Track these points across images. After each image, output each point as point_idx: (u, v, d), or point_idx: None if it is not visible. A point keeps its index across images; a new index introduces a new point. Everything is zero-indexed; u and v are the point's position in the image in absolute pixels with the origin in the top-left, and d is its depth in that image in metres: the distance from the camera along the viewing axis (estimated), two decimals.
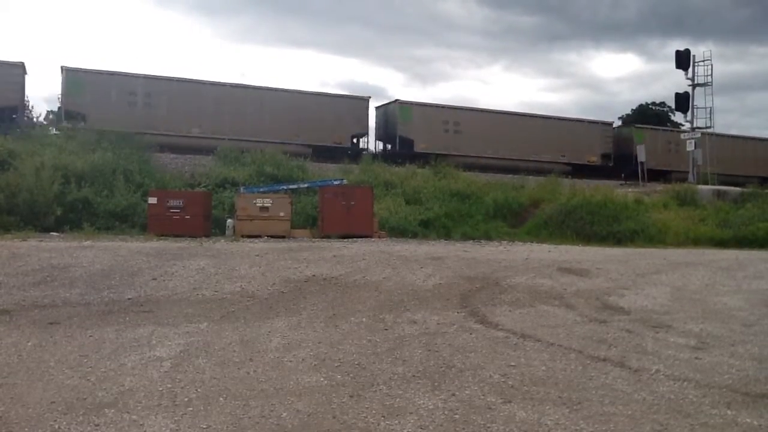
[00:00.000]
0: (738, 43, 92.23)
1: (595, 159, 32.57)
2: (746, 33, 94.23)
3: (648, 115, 48.14)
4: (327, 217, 17.32)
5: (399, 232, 18.41)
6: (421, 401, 4.91)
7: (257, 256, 11.77)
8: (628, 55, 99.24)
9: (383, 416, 4.60)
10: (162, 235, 15.39)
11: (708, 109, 31.01)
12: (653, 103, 52.71)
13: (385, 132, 30.45)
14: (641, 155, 29.40)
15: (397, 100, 30.16)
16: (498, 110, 33.36)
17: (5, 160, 17.54)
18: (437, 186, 22.22)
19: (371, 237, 16.98)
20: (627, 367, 5.96)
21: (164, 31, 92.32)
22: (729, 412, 4.82)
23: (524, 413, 4.69)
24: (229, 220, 17.25)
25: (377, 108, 30.96)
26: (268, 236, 16.30)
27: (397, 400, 4.95)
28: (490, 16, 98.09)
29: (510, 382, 5.42)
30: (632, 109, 53.29)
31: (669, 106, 45.50)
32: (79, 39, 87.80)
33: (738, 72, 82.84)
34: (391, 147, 29.94)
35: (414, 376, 5.57)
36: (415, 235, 18.31)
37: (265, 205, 17.00)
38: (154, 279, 9.67)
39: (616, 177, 31.15)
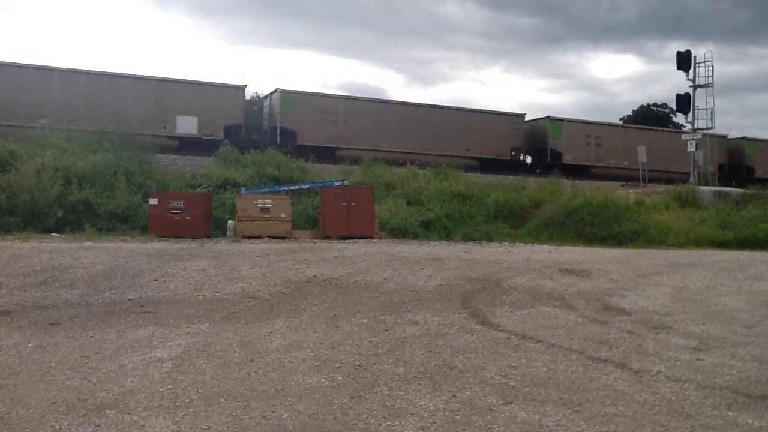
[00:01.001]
0: (737, 44, 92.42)
1: (503, 153, 31.28)
2: (745, 34, 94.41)
3: (649, 116, 48.21)
4: (328, 218, 17.32)
5: (400, 233, 18.41)
6: (422, 402, 4.91)
7: (258, 257, 11.78)
8: (628, 56, 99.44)
9: (384, 417, 4.59)
10: (163, 236, 15.39)
11: (709, 110, 30.99)
12: (654, 104, 52.74)
13: (269, 124, 28.64)
14: (642, 156, 29.35)
15: (277, 88, 28.10)
16: (394, 101, 32.30)
17: (6, 161, 17.54)
18: (438, 187, 22.21)
19: (372, 238, 16.98)
20: (628, 368, 5.95)
21: (164, 33, 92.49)
22: (730, 413, 4.81)
23: (525, 414, 4.69)
24: (230, 221, 17.25)
25: (264, 98, 30.28)
26: (268, 237, 16.31)
27: (398, 401, 4.95)
28: (489, 18, 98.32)
29: (511, 383, 5.42)
30: (633, 110, 53.38)
31: (670, 108, 45.58)
32: (79, 39, 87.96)
33: (737, 73, 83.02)
34: (272, 139, 27.17)
35: (415, 377, 5.57)
36: (416, 236, 18.31)
37: (266, 206, 17.01)
38: (155, 280, 9.67)
39: (530, 172, 30.13)
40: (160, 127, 25.43)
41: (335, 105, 29.10)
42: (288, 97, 27.93)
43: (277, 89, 28.24)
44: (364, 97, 31.44)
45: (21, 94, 23.78)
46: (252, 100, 30.61)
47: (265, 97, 29.91)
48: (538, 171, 31.05)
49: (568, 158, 31.76)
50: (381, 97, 32.31)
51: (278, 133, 27.45)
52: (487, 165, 30.17)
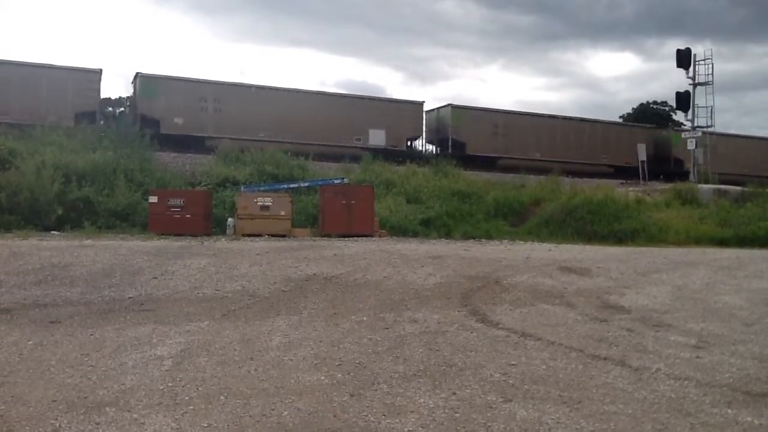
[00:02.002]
0: (736, 42, 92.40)
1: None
2: (744, 33, 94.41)
3: (649, 114, 48.13)
4: (328, 216, 17.31)
5: (400, 231, 18.41)
6: (422, 400, 4.92)
7: (258, 255, 11.78)
8: (626, 54, 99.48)
9: (384, 415, 4.60)
10: (163, 234, 15.39)
11: (709, 108, 30.98)
12: (654, 102, 52.70)
13: (132, 110, 27.79)
14: (641, 154, 29.35)
15: (138, 73, 26.53)
16: (255, 84, 28.81)
17: (6, 159, 17.54)
18: (438, 185, 22.21)
19: (372, 236, 16.98)
20: (628, 365, 5.96)
21: (163, 30, 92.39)
22: (729, 411, 4.82)
23: (525, 412, 4.69)
24: (229, 219, 17.24)
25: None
26: (268, 235, 16.30)
27: (398, 398, 4.95)
28: (487, 16, 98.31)
29: (510, 381, 5.42)
30: (633, 108, 53.35)
31: (670, 105, 45.52)
32: (78, 38, 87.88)
33: (736, 71, 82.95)
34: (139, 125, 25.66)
35: (415, 374, 5.57)
36: (415, 234, 18.31)
37: (266, 204, 17.00)
38: (155, 278, 9.67)
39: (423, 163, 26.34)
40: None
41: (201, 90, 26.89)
42: (150, 80, 26.10)
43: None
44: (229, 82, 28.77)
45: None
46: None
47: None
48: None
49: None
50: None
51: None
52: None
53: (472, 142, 30.40)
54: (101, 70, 25.66)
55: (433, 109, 31.68)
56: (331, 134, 27.88)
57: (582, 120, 34.80)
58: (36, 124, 21.30)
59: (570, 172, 28.27)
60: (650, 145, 33.66)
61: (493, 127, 31.48)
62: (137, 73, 26.50)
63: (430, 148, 32.32)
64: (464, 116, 30.66)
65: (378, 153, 26.58)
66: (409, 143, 30.89)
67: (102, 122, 25.96)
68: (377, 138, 28.80)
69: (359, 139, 28.59)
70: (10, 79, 23.56)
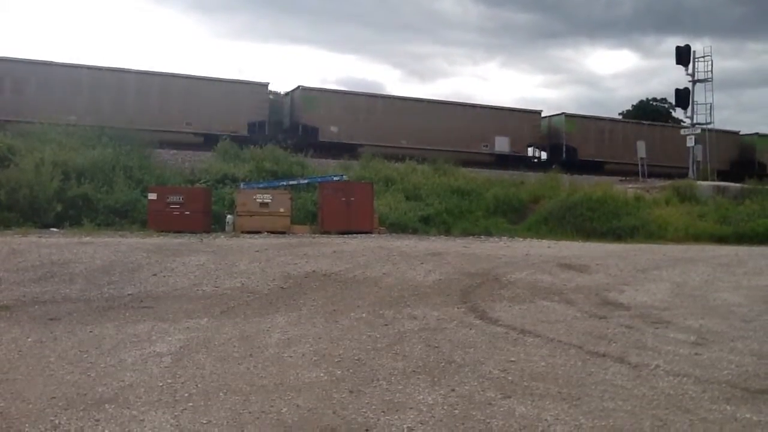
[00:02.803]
0: (734, 39, 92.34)
1: (236, 128, 25.87)
2: (742, 30, 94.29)
3: (648, 111, 48.17)
4: (327, 213, 17.32)
5: (399, 227, 18.43)
6: (421, 396, 4.92)
7: (257, 251, 11.77)
8: (624, 51, 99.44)
9: (383, 411, 4.60)
10: (162, 231, 15.39)
11: (708, 105, 30.97)
12: (654, 99, 52.71)
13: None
14: (641, 151, 29.35)
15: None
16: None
17: (5, 156, 17.54)
18: (438, 182, 22.21)
19: (371, 233, 16.99)
20: (627, 362, 5.96)
21: (163, 29, 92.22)
22: (728, 407, 4.82)
23: (524, 408, 4.69)
24: (229, 216, 17.25)
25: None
26: (267, 232, 16.31)
27: (397, 395, 4.95)
28: (485, 14, 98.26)
29: (510, 378, 5.42)
30: (633, 105, 53.38)
31: (670, 102, 45.52)
32: (76, 37, 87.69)
33: (734, 68, 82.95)
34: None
35: (414, 371, 5.57)
36: (415, 231, 18.33)
37: (265, 201, 17.00)
38: (154, 275, 9.67)
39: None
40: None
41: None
42: None
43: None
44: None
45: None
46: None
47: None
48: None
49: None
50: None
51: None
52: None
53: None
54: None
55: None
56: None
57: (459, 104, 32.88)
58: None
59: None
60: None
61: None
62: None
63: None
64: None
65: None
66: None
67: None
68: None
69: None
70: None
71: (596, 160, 32.39)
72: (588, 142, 32.73)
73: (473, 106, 32.25)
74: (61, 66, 25.02)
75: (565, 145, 32.32)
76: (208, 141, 24.76)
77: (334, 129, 27.72)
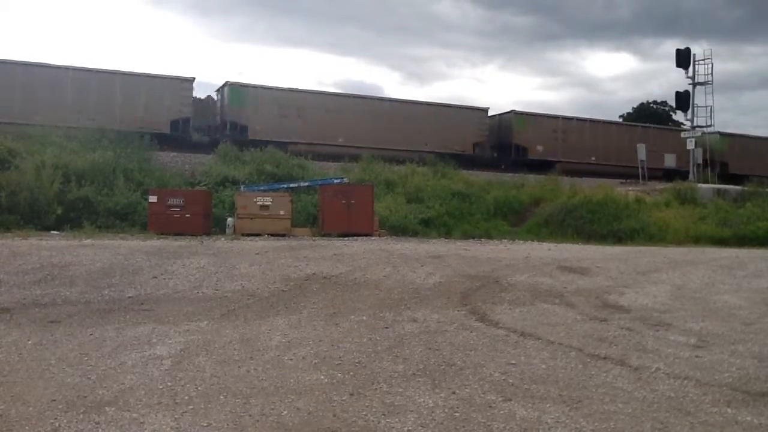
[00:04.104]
0: (732, 42, 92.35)
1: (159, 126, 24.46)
2: (739, 33, 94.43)
3: (648, 114, 48.21)
4: (327, 216, 17.31)
5: (399, 230, 18.41)
6: (422, 399, 4.91)
7: (257, 254, 11.77)
8: (623, 54, 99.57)
9: (383, 414, 4.60)
10: (162, 234, 15.38)
11: (708, 108, 30.99)
12: (654, 102, 52.76)
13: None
14: (641, 153, 29.35)
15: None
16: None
17: (6, 159, 17.53)
18: (438, 185, 22.21)
19: (372, 235, 16.98)
20: (627, 365, 5.96)
21: (160, 31, 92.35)
22: (729, 410, 4.82)
23: (524, 411, 4.69)
24: (229, 219, 17.24)
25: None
26: (268, 235, 16.30)
27: (398, 398, 4.95)
28: (483, 16, 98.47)
29: (510, 380, 5.42)
30: (633, 108, 53.42)
31: (670, 105, 45.56)
32: (75, 37, 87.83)
33: (732, 71, 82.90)
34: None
35: (414, 374, 5.57)
36: (415, 234, 18.30)
37: (266, 203, 16.99)
38: (155, 277, 9.67)
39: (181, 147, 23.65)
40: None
41: None
42: None
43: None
44: None
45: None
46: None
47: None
48: None
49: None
50: None
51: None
52: None
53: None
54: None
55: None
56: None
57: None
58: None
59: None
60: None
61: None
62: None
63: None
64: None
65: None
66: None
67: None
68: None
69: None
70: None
71: (548, 159, 30.95)
72: (539, 141, 31.41)
73: (414, 103, 30.51)
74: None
75: (514, 144, 31.13)
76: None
77: (258, 127, 26.11)
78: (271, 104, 26.77)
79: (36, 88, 23.39)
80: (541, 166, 29.49)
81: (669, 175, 31.20)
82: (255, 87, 27.36)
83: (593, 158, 32.61)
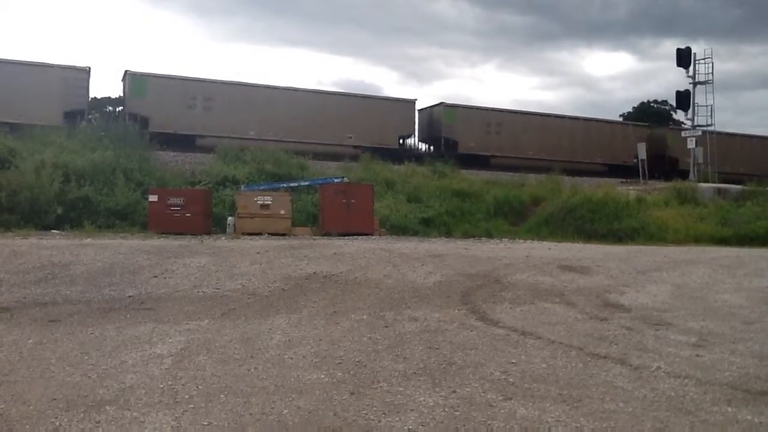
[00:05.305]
0: (730, 42, 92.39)
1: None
2: (738, 33, 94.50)
3: (649, 113, 48.23)
4: (328, 215, 17.31)
5: (400, 229, 18.41)
6: (422, 398, 4.91)
7: (258, 253, 11.77)
8: (621, 53, 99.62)
9: (384, 413, 4.60)
10: (163, 233, 15.38)
11: (709, 107, 31.00)
12: (655, 101, 52.78)
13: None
14: (641, 153, 29.34)
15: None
16: None
17: (6, 159, 17.54)
18: (438, 184, 22.22)
19: (372, 235, 16.98)
20: (628, 364, 5.96)
21: (159, 31, 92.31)
22: (729, 409, 4.82)
23: (525, 410, 4.69)
24: (229, 218, 17.24)
25: None
26: (268, 234, 16.30)
27: (398, 397, 4.95)
28: (481, 16, 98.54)
29: (511, 380, 5.42)
30: (633, 107, 53.47)
31: (670, 105, 45.58)
32: (75, 38, 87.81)
33: (731, 71, 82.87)
34: None
35: (415, 373, 5.57)
36: (415, 233, 18.30)
37: (266, 202, 16.99)
38: (155, 277, 9.67)
39: None
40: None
41: None
42: None
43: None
44: None
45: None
46: None
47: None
48: None
49: None
50: None
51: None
52: None
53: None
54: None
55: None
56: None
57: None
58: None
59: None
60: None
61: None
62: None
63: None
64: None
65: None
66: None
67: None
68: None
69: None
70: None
71: (480, 153, 30.31)
72: (470, 135, 30.29)
73: (334, 94, 29.93)
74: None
75: (443, 138, 30.00)
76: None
77: (158, 119, 24.95)
78: (173, 95, 25.65)
79: None
80: (474, 161, 28.71)
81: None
82: (157, 76, 26.18)
83: (530, 152, 31.59)
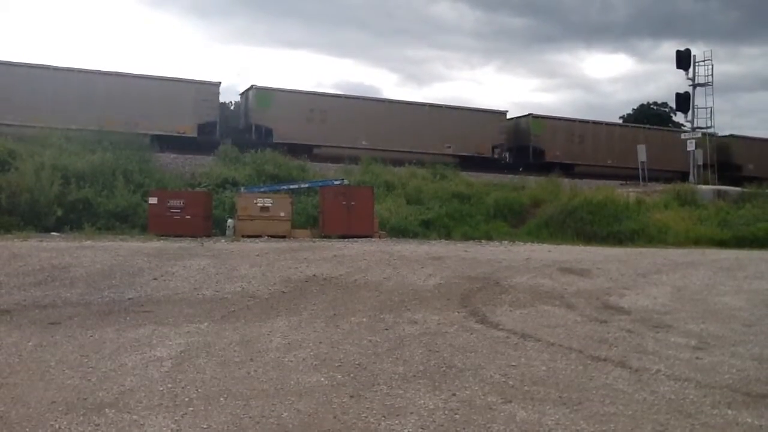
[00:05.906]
0: (729, 44, 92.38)
1: None
2: (736, 35, 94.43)
3: (649, 115, 48.25)
4: (328, 217, 17.31)
5: (400, 232, 18.41)
6: (422, 401, 4.91)
7: (258, 256, 11.77)
8: (620, 55, 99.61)
9: (384, 416, 4.59)
10: (162, 235, 15.38)
11: (708, 109, 31.01)
12: (654, 103, 52.81)
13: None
14: (641, 155, 29.33)
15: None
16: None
17: (6, 161, 17.54)
18: (438, 187, 22.23)
19: (372, 237, 16.98)
20: (628, 367, 5.96)
21: (159, 33, 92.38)
22: (729, 412, 4.81)
23: (525, 413, 4.69)
24: (229, 220, 17.24)
25: None
26: (268, 236, 16.30)
27: (398, 399, 4.95)
28: (481, 18, 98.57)
29: (510, 382, 5.42)
30: (633, 109, 53.50)
31: (670, 107, 45.59)
32: (74, 39, 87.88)
33: (729, 73, 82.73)
34: None
35: (414, 375, 5.57)
36: (415, 235, 18.30)
37: (266, 205, 16.99)
38: (155, 279, 9.66)
39: None
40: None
41: None
42: None
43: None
44: None
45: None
46: None
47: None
48: None
49: None
50: None
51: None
52: None
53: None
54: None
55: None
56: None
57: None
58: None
59: None
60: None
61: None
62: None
63: None
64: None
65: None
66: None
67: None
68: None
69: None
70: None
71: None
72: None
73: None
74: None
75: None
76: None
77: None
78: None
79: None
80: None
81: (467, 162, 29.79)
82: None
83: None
